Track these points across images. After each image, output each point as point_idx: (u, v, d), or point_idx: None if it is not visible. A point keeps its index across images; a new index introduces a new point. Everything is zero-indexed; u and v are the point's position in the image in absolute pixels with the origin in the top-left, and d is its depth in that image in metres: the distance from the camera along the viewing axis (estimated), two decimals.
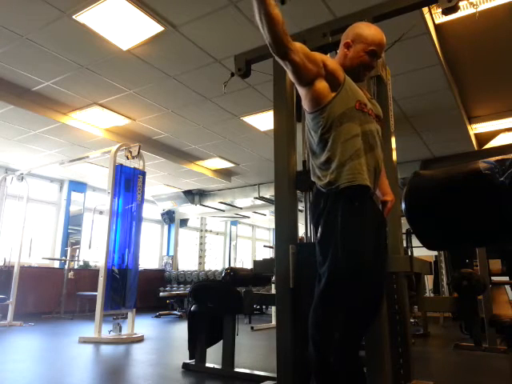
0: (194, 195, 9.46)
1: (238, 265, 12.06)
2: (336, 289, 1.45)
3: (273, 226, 2.60)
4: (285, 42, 1.41)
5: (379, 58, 1.66)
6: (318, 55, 1.54)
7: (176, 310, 7.86)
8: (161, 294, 8.23)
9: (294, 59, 1.45)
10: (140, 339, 4.57)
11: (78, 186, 8.47)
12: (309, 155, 2.34)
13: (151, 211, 10.32)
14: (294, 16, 3.20)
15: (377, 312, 1.55)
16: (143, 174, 5.10)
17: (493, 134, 5.88)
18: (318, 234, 1.54)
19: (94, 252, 7.51)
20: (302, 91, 1.58)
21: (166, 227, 10.89)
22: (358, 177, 1.49)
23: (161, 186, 8.82)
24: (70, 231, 8.25)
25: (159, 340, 4.88)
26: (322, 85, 1.53)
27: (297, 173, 2.31)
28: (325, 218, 1.52)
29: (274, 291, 4.32)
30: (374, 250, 1.46)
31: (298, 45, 1.47)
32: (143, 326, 5.84)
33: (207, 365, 3.13)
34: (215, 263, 12.13)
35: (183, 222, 11.14)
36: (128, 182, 4.92)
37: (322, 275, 1.48)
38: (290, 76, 1.55)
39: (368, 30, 1.62)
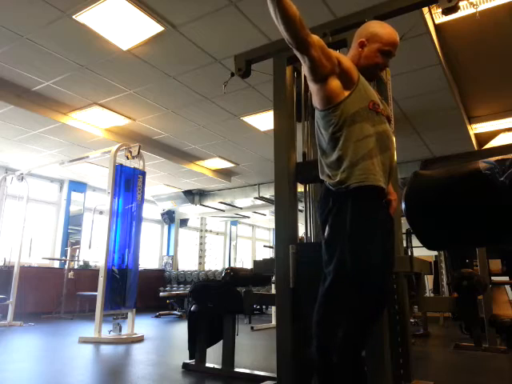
0: (194, 195, 9.46)
1: (238, 265, 12.06)
2: (341, 289, 1.44)
3: (273, 225, 2.61)
4: (304, 36, 1.40)
5: (393, 57, 1.65)
6: (334, 52, 1.52)
7: (176, 310, 7.86)
8: (161, 294, 8.23)
9: (312, 54, 1.43)
10: (140, 339, 4.57)
11: (77, 186, 8.47)
12: (309, 148, 2.35)
13: (151, 211, 10.32)
14: None
15: (380, 313, 1.54)
16: (143, 174, 5.09)
17: (493, 134, 5.88)
18: (325, 234, 1.52)
19: (94, 252, 7.51)
20: (314, 87, 1.56)
21: (166, 227, 10.89)
22: (370, 177, 1.47)
23: (161, 185, 8.82)
24: (70, 231, 8.25)
25: (159, 340, 4.87)
26: (335, 83, 1.51)
27: (297, 164, 2.29)
28: (333, 218, 1.50)
29: (274, 291, 4.32)
30: (382, 252, 1.45)
31: (315, 38, 1.45)
32: (143, 325, 5.84)
33: (207, 365, 3.13)
34: (215, 263, 12.13)
35: (183, 222, 11.14)
36: (128, 182, 4.92)
37: (328, 274, 1.47)
38: (305, 70, 1.53)
39: (383, 30, 1.60)
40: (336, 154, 1.52)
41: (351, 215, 1.44)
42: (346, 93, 1.51)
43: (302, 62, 1.51)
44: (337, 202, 1.50)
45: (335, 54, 1.52)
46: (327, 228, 1.52)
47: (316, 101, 1.58)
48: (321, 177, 1.61)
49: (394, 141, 1.62)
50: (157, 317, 7.42)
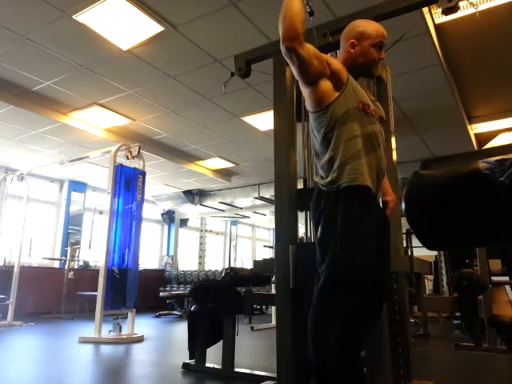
0: (194, 195, 9.46)
1: (238, 265, 12.06)
2: (334, 288, 1.44)
3: (273, 225, 2.63)
4: (298, 32, 1.42)
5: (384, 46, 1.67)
6: (323, 54, 1.55)
7: (176, 310, 7.86)
8: (161, 294, 8.23)
9: (301, 53, 1.44)
10: (140, 339, 4.57)
11: (78, 186, 8.47)
12: (309, 170, 2.35)
13: (151, 211, 10.32)
14: None
15: (377, 313, 1.54)
16: (143, 173, 5.10)
17: (493, 134, 5.88)
18: (318, 234, 1.54)
19: (94, 252, 7.51)
20: (305, 91, 1.58)
21: (166, 227, 10.89)
22: (359, 177, 1.49)
23: (161, 185, 8.82)
24: (70, 231, 8.25)
25: (159, 340, 4.88)
26: (326, 84, 1.53)
27: (297, 191, 2.26)
28: (325, 218, 1.51)
29: (274, 291, 4.33)
30: (373, 251, 1.45)
31: (307, 44, 1.49)
32: (143, 325, 5.84)
33: (207, 365, 3.13)
34: (215, 263, 12.13)
35: (183, 222, 11.14)
36: (128, 182, 4.92)
37: (321, 274, 1.48)
38: (295, 73, 1.54)
39: (370, 26, 1.64)
40: (328, 154, 1.55)
41: (342, 215, 1.46)
42: (336, 94, 1.54)
43: (291, 64, 1.51)
44: (328, 202, 1.52)
45: (325, 56, 1.55)
46: (319, 228, 1.54)
47: (308, 103, 1.61)
48: (315, 179, 1.65)
49: (383, 141, 1.63)
50: (157, 317, 7.42)
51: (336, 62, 1.58)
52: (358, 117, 1.54)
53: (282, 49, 1.45)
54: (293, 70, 1.54)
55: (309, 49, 1.48)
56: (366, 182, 1.50)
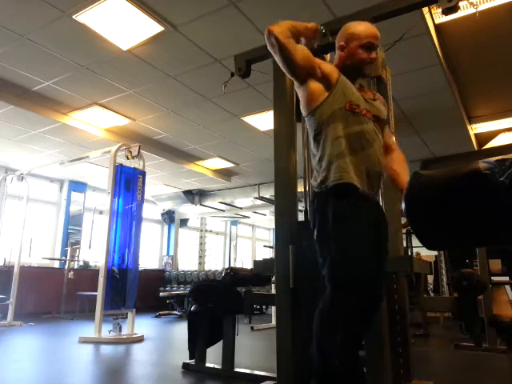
0: (194, 195, 9.46)
1: (238, 265, 12.06)
2: (335, 289, 1.45)
3: (273, 225, 2.62)
4: (284, 28, 1.51)
5: (376, 49, 1.66)
6: (316, 59, 1.61)
7: (176, 310, 7.86)
8: (161, 294, 8.23)
9: (280, 38, 1.50)
10: (140, 339, 4.57)
11: (78, 186, 8.47)
12: (309, 170, 2.37)
13: (151, 211, 10.32)
14: (294, 16, 3.20)
15: (376, 310, 1.54)
16: (143, 173, 5.10)
17: (493, 134, 5.88)
18: (315, 235, 1.56)
19: (94, 252, 7.51)
20: (299, 92, 1.64)
21: (166, 227, 10.89)
22: (344, 175, 1.51)
23: (161, 185, 8.82)
24: (70, 231, 8.25)
25: (159, 340, 4.88)
26: (315, 86, 1.58)
27: (298, 223, 2.25)
28: (319, 218, 1.54)
29: (274, 291, 4.33)
30: (370, 250, 1.46)
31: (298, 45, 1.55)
32: (143, 325, 5.83)
33: (207, 365, 3.13)
34: (215, 263, 12.12)
35: (183, 222, 11.14)
36: (128, 182, 4.92)
37: (325, 276, 1.49)
38: (281, 64, 1.58)
39: (359, 27, 1.65)
40: (318, 155, 1.60)
41: (332, 214, 1.49)
42: (326, 94, 1.58)
43: (273, 52, 1.55)
44: (320, 202, 1.55)
45: (318, 60, 1.60)
46: (316, 229, 1.55)
47: (302, 107, 1.66)
48: (311, 181, 1.68)
49: (375, 139, 1.61)
50: (157, 317, 7.42)
51: (327, 65, 1.63)
52: (344, 117, 1.56)
53: (265, 34, 1.51)
54: (278, 60, 1.57)
55: (298, 46, 1.54)
56: (352, 179, 1.51)
